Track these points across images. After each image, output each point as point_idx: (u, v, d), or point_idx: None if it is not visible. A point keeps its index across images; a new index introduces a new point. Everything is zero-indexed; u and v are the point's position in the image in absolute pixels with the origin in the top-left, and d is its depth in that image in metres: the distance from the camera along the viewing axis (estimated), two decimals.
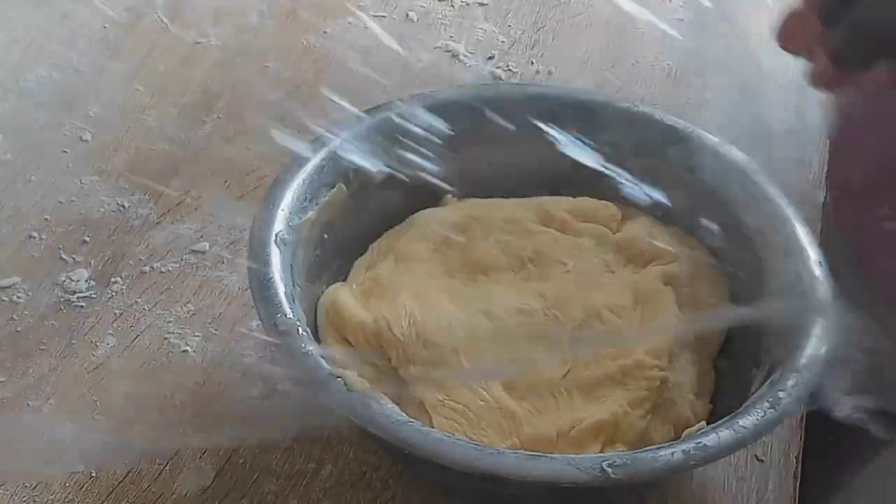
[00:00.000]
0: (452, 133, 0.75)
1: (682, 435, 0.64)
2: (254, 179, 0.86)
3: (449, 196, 0.76)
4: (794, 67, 0.85)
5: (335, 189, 0.73)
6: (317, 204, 0.71)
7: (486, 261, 0.74)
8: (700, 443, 0.60)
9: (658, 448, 0.60)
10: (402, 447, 0.59)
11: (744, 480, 0.70)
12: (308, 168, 0.72)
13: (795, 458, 0.72)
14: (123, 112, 0.92)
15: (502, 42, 1.01)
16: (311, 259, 0.71)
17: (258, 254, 0.67)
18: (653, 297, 0.72)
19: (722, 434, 0.61)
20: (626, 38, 1.02)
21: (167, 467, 0.68)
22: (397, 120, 0.75)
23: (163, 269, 0.80)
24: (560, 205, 0.77)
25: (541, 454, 0.60)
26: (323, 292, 0.71)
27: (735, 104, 0.94)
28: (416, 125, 0.75)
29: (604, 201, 0.78)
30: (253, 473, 0.68)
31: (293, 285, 0.67)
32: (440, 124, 0.76)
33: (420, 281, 0.72)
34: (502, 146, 0.78)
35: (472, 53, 1.00)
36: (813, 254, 0.70)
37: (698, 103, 0.96)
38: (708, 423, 0.64)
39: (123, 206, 0.84)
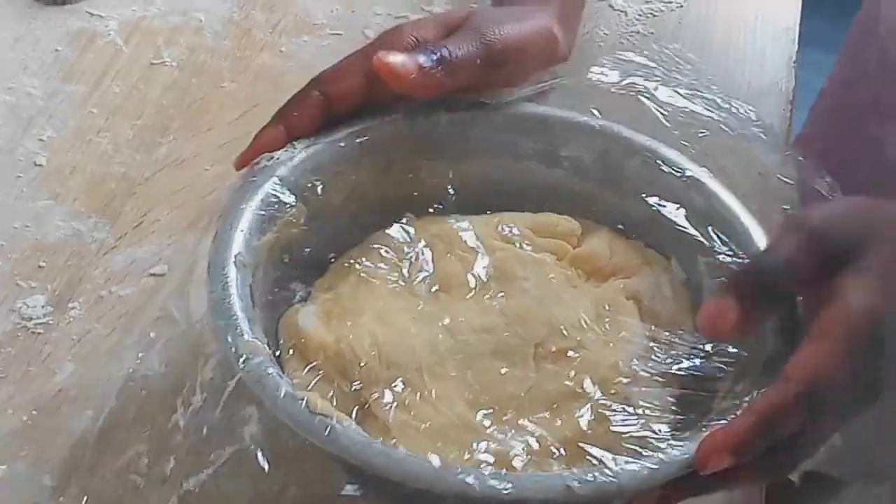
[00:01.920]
0: (410, 152, 0.75)
1: (649, 447, 0.64)
2: (211, 201, 0.85)
3: (408, 214, 0.76)
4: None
5: (294, 209, 0.72)
6: (275, 225, 0.71)
7: (447, 280, 0.73)
8: (666, 456, 0.60)
9: (624, 463, 0.60)
10: (366, 469, 0.59)
11: None
12: (266, 188, 0.71)
13: None
14: (78, 135, 0.91)
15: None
16: (271, 281, 0.70)
17: (217, 277, 0.66)
18: (615, 311, 0.72)
19: (689, 447, 0.60)
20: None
21: (128, 493, 0.68)
22: (356, 138, 0.75)
23: (121, 294, 0.79)
24: (519, 220, 0.77)
25: (507, 473, 0.59)
26: (283, 314, 0.70)
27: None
28: (371, 144, 0.75)
29: (563, 216, 0.78)
30: (219, 498, 0.67)
31: (253, 308, 0.66)
32: (398, 144, 0.76)
33: (381, 300, 0.71)
34: (461, 162, 0.78)
35: None
36: None
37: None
38: (673, 435, 0.64)
39: (79, 231, 0.83)
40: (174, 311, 0.76)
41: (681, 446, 0.61)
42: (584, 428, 0.65)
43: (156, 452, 0.69)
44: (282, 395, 0.60)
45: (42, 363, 0.74)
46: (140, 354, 0.74)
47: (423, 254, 0.74)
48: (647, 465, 0.59)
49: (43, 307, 0.78)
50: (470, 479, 0.57)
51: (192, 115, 0.94)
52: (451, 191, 0.78)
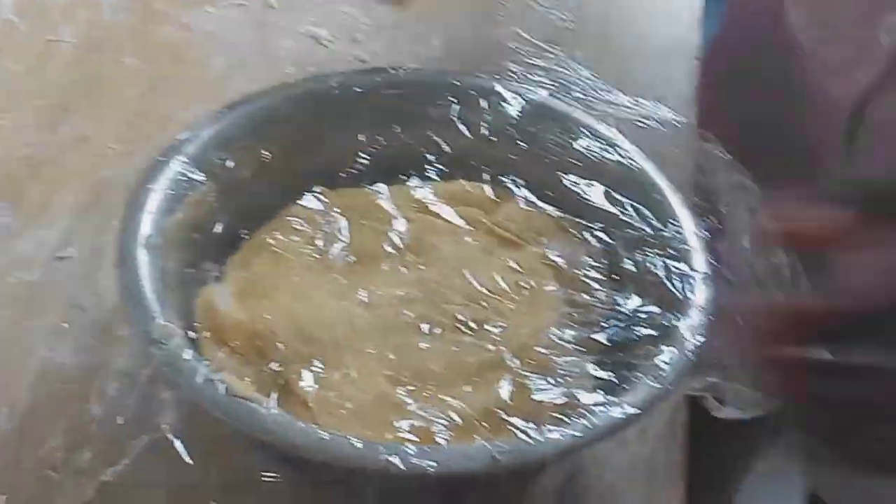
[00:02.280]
0: (318, 122, 0.74)
1: (571, 414, 0.63)
2: (117, 180, 0.83)
3: (319, 188, 0.75)
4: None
5: (203, 186, 0.70)
6: (184, 203, 0.69)
7: (363, 251, 0.72)
8: (589, 423, 0.60)
9: (547, 432, 0.60)
10: (290, 451, 0.58)
11: (627, 447, 0.71)
12: (173, 167, 0.69)
13: (681, 427, 0.73)
14: None
15: (366, 25, 1.00)
16: (182, 261, 0.68)
17: (126, 260, 0.64)
18: (533, 278, 0.72)
19: (611, 412, 0.60)
20: (491, 13, 1.02)
21: (46, 488, 0.66)
22: (261, 112, 0.73)
23: (28, 278, 0.77)
24: (432, 189, 0.76)
25: (431, 447, 0.59)
26: (197, 295, 0.69)
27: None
28: (279, 116, 0.74)
29: (476, 184, 0.77)
30: (138, 488, 0.66)
31: (165, 290, 0.65)
32: (305, 114, 0.74)
33: (297, 276, 0.70)
34: (370, 132, 0.77)
35: (335, 38, 0.98)
36: (689, 223, 0.71)
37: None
38: (595, 401, 0.64)
39: None
40: (84, 298, 0.75)
41: (603, 412, 0.61)
42: (506, 399, 0.65)
43: (72, 445, 0.67)
44: (199, 379, 0.59)
45: None
46: (50, 343, 0.73)
47: (337, 225, 0.73)
48: (571, 432, 0.59)
49: None
50: (394, 458, 0.57)
51: (94, 93, 0.92)
52: (362, 160, 0.77)
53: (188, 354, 0.60)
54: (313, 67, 0.91)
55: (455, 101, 0.77)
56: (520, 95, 0.78)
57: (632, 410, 0.60)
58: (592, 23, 1.00)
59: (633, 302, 0.70)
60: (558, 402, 0.66)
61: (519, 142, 0.77)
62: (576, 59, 0.94)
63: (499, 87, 0.78)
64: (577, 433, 0.59)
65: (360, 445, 0.57)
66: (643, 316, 0.68)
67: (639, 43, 0.98)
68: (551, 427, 0.61)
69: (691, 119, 0.91)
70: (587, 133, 0.76)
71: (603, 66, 0.92)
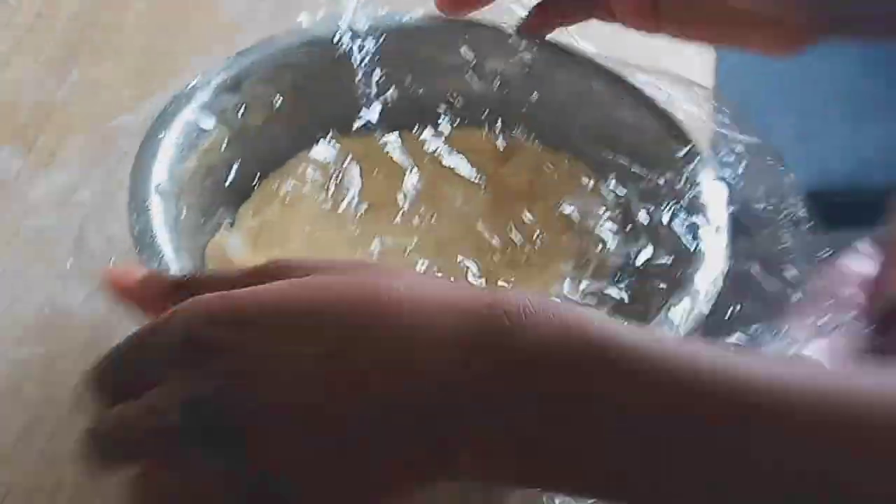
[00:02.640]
0: (331, 69, 0.73)
1: None
2: (128, 125, 0.83)
3: (330, 134, 0.74)
4: None
5: (215, 133, 0.70)
6: (196, 151, 0.69)
7: (375, 200, 0.72)
8: None
9: None
10: None
11: None
12: (184, 114, 0.69)
13: None
14: None
15: None
16: (195, 208, 0.68)
17: (139, 208, 0.64)
18: (544, 230, 0.72)
19: None
20: None
21: (59, 427, 0.66)
22: (272, 58, 0.73)
23: (40, 225, 0.77)
24: (444, 138, 0.76)
25: None
26: (209, 242, 0.68)
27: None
28: (291, 62, 0.74)
29: (488, 133, 0.77)
30: None
31: (177, 237, 0.64)
32: (317, 61, 0.74)
33: (308, 224, 0.70)
34: (382, 79, 0.76)
35: None
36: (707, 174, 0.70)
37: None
38: None
39: None
40: (95, 243, 0.74)
41: None
42: None
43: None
44: None
45: None
46: (60, 288, 0.72)
47: (350, 173, 0.73)
48: None
49: None
50: None
51: (104, 38, 0.91)
52: (374, 107, 0.76)
53: None
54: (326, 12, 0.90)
55: (468, 48, 0.76)
56: (533, 41, 0.77)
57: None
58: None
59: (647, 254, 0.69)
60: None
61: (531, 90, 0.76)
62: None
63: (511, 33, 0.77)
64: None
65: None
66: (657, 268, 0.68)
67: None
68: None
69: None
70: (603, 81, 0.75)
71: None
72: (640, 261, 0.69)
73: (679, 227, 0.68)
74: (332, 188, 0.72)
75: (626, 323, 0.63)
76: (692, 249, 0.66)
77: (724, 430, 0.44)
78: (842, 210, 1.40)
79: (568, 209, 0.73)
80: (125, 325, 0.68)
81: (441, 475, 0.46)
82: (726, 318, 0.64)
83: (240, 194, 0.72)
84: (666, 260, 0.68)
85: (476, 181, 0.74)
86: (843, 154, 1.38)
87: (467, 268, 0.69)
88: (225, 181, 0.71)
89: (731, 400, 0.44)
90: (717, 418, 0.44)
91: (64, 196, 0.78)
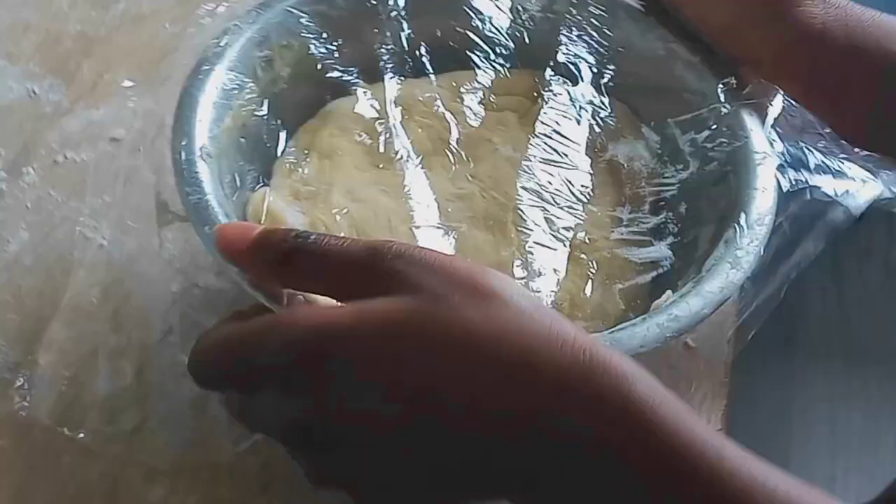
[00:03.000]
0: (359, 15, 0.73)
1: (651, 307, 0.62)
2: (170, 61, 0.82)
3: (360, 82, 0.73)
4: None
5: (247, 90, 0.68)
6: (231, 108, 0.67)
7: (414, 147, 0.71)
8: (672, 314, 0.59)
9: (632, 325, 0.59)
10: None
11: (674, 369, 0.70)
12: (217, 72, 0.67)
13: (727, 342, 0.72)
14: None
15: None
16: (233, 168, 0.67)
17: (187, 173, 0.62)
18: (586, 165, 0.71)
19: (691, 302, 0.60)
20: None
21: (85, 368, 0.66)
22: (301, 7, 0.72)
23: (77, 159, 0.77)
24: (473, 79, 0.74)
25: None
26: (249, 200, 0.67)
27: None
28: (317, 11, 0.72)
29: (516, 71, 0.75)
30: (175, 372, 0.66)
31: (225, 199, 0.63)
32: (346, 7, 0.73)
33: (349, 176, 0.69)
34: (413, 23, 0.74)
35: None
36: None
37: None
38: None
39: (34, 92, 0.81)
40: (133, 181, 0.74)
41: (684, 301, 0.60)
42: (573, 288, 0.65)
43: (117, 327, 0.68)
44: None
45: None
46: (97, 225, 0.72)
47: (385, 121, 0.72)
48: (657, 322, 0.59)
49: None
50: None
51: None
52: (402, 54, 0.74)
53: None
54: None
55: None
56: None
57: (712, 297, 0.60)
58: None
59: (694, 180, 0.69)
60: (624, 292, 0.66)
61: (558, 28, 0.75)
62: None
63: None
64: (662, 323, 0.59)
65: None
66: (706, 203, 0.68)
67: None
68: (635, 320, 0.60)
69: None
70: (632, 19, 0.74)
71: None
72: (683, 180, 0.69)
73: (723, 156, 0.68)
74: (368, 137, 0.71)
75: None
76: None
77: None
78: None
79: (615, 152, 0.72)
80: (152, 265, 0.69)
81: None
82: None
83: (272, 148, 0.71)
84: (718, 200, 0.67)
85: (515, 124, 0.74)
86: None
87: (517, 211, 0.68)
88: (261, 137, 0.69)
89: None
90: None
91: (102, 131, 0.78)
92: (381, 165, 0.71)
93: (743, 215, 0.64)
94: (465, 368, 0.48)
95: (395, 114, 0.72)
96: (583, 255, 0.67)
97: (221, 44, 0.69)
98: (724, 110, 0.69)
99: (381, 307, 0.50)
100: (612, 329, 0.59)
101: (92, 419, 0.64)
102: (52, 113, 0.79)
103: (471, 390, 0.48)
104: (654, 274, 0.67)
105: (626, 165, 0.72)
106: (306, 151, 0.71)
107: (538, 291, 0.65)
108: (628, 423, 0.48)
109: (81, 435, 0.64)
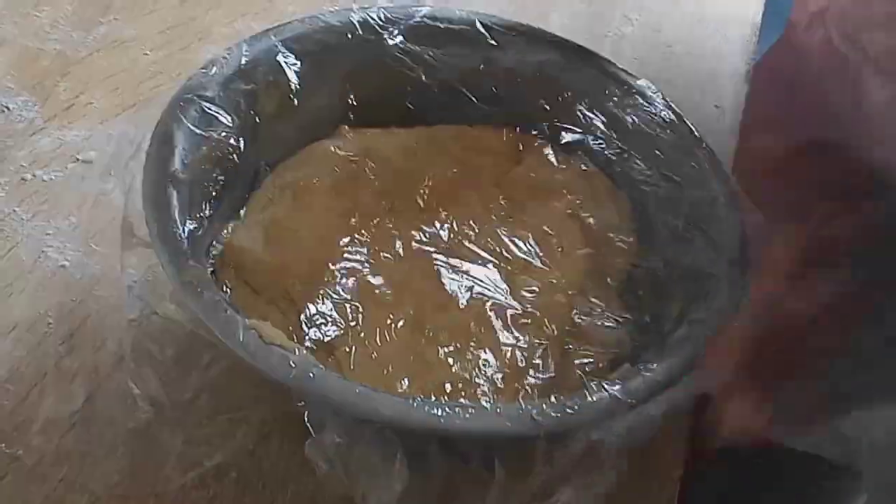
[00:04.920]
0: (344, 58, 0.72)
1: (611, 377, 0.61)
2: (148, 88, 0.82)
3: (343, 127, 0.73)
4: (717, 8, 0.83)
5: (227, 122, 0.68)
6: (208, 139, 0.66)
7: (386, 196, 0.71)
8: (626, 384, 0.58)
9: (587, 393, 0.58)
10: (326, 404, 0.56)
11: None
12: (198, 101, 0.66)
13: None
14: (13, 6, 0.87)
15: None
16: (205, 197, 0.66)
17: (157, 197, 0.61)
18: (559, 231, 0.71)
19: (647, 377, 0.59)
20: None
21: (35, 389, 0.65)
22: (286, 45, 0.71)
23: (45, 178, 0.75)
24: (455, 134, 0.74)
25: (467, 403, 0.57)
26: (219, 232, 0.66)
27: (654, 41, 0.92)
28: (304, 51, 0.72)
29: (499, 130, 0.75)
30: (125, 399, 0.64)
31: (193, 227, 0.62)
32: (334, 49, 0.73)
33: (320, 218, 0.68)
34: (393, 71, 0.75)
35: None
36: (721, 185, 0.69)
37: (617, 36, 0.93)
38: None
39: (7, 108, 0.80)
40: (99, 203, 0.73)
41: (642, 375, 0.59)
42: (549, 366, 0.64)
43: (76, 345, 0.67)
44: (240, 332, 0.57)
45: None
46: (60, 246, 0.71)
47: (361, 167, 0.71)
48: (611, 393, 0.58)
49: None
50: (439, 414, 0.55)
51: None
52: (387, 101, 0.75)
53: (219, 298, 0.58)
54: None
55: (490, 41, 0.75)
56: (556, 40, 0.76)
57: (671, 372, 0.59)
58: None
59: (666, 258, 0.69)
60: (599, 371, 0.65)
61: (549, 90, 0.75)
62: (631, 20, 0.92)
63: (533, 29, 0.76)
64: (616, 394, 0.58)
65: (403, 401, 0.56)
66: (678, 278, 0.67)
67: (698, 9, 0.95)
68: (592, 388, 0.59)
69: (740, 99, 0.89)
70: (622, 89, 0.74)
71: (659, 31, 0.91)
72: (660, 268, 0.69)
73: (695, 234, 0.68)
74: (342, 181, 0.71)
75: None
76: (711, 256, 0.66)
77: None
78: None
79: (584, 215, 0.72)
80: (113, 289, 0.68)
81: None
82: None
83: (247, 183, 0.70)
84: (688, 263, 0.67)
85: (489, 179, 0.74)
86: None
87: (486, 269, 0.69)
88: (238, 170, 0.69)
89: None
90: None
91: (73, 152, 0.77)
92: (351, 210, 0.70)
93: (712, 298, 0.63)
94: None
95: (372, 161, 0.71)
96: (545, 320, 0.66)
97: (208, 73, 0.68)
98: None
99: None
100: (566, 398, 0.58)
101: (37, 440, 0.63)
102: (24, 130, 0.78)
103: None
104: (613, 353, 0.66)
105: (600, 232, 0.72)
106: (282, 189, 0.70)
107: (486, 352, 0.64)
108: None
109: (20, 452, 0.62)
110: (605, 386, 0.58)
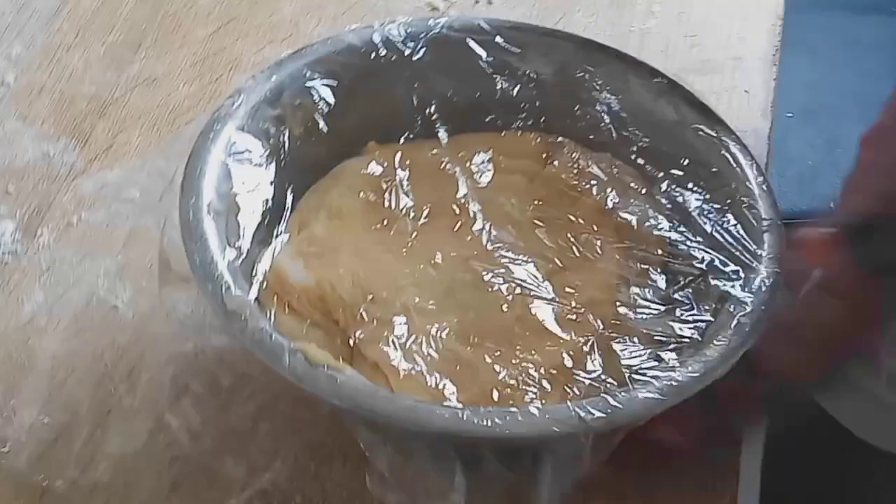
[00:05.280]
0: (369, 76, 0.74)
1: (658, 368, 0.63)
2: (184, 122, 0.83)
3: (371, 143, 0.74)
4: None
5: (257, 148, 0.69)
6: (240, 166, 0.68)
7: (422, 208, 0.72)
8: (670, 379, 0.59)
9: (629, 390, 0.59)
10: (377, 420, 0.57)
11: None
12: (227, 129, 0.68)
13: None
14: (46, 52, 0.89)
15: None
16: (241, 224, 0.67)
17: (194, 229, 0.63)
18: (594, 227, 0.72)
19: (692, 367, 0.60)
20: None
21: (98, 429, 0.66)
22: (313, 67, 0.72)
23: (91, 220, 0.77)
24: (483, 142, 0.75)
25: (515, 410, 0.57)
26: (259, 258, 0.68)
27: (678, 32, 0.92)
28: (328, 71, 0.73)
29: (527, 135, 0.76)
30: (187, 433, 0.66)
31: (233, 256, 0.64)
32: (357, 68, 0.74)
33: (357, 236, 0.70)
34: (421, 84, 0.76)
35: None
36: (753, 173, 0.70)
37: (641, 31, 0.93)
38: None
39: (48, 154, 0.81)
40: (144, 241, 0.74)
41: (684, 367, 0.60)
42: (578, 352, 0.65)
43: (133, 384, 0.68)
44: (286, 357, 0.58)
45: (10, 294, 0.73)
46: (109, 284, 0.73)
47: (394, 182, 0.72)
48: (657, 387, 0.59)
49: (12, 234, 0.76)
50: (486, 420, 0.56)
51: (165, 31, 0.91)
52: (415, 115, 0.75)
53: (264, 325, 0.60)
54: (384, 13, 0.90)
55: (510, 47, 0.76)
56: (575, 39, 0.77)
57: (712, 364, 0.60)
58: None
59: (704, 255, 0.69)
60: (645, 365, 0.65)
61: (572, 90, 0.76)
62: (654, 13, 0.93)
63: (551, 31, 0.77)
64: (662, 389, 0.59)
65: (449, 411, 0.57)
66: (716, 269, 0.67)
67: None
68: (637, 385, 0.61)
69: (769, 82, 0.89)
70: (646, 83, 0.75)
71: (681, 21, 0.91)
72: (698, 262, 0.69)
73: (731, 225, 0.69)
74: (376, 197, 0.72)
75: None
76: (749, 248, 0.67)
77: None
78: None
79: (625, 215, 0.72)
80: (165, 325, 0.69)
81: None
82: None
83: (282, 205, 0.71)
84: (724, 259, 0.68)
85: (522, 183, 0.74)
86: None
87: (527, 272, 0.69)
88: (271, 195, 0.70)
89: None
90: None
91: (115, 192, 0.79)
92: (387, 224, 0.71)
93: (750, 285, 0.64)
94: None
95: (403, 174, 0.72)
96: (589, 315, 0.67)
97: (235, 102, 0.69)
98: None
99: None
100: (617, 391, 0.60)
101: (106, 476, 0.65)
102: (67, 174, 0.80)
103: None
104: (658, 343, 0.66)
105: (635, 227, 0.72)
106: (316, 210, 0.71)
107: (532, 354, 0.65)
108: None
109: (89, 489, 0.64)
110: (652, 379, 0.60)
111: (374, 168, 0.73)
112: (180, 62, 0.88)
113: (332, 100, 0.73)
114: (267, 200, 0.69)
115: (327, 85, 0.73)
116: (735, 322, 0.62)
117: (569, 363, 0.64)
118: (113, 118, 0.84)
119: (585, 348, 0.65)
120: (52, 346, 0.70)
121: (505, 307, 0.67)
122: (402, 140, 0.75)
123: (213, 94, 0.84)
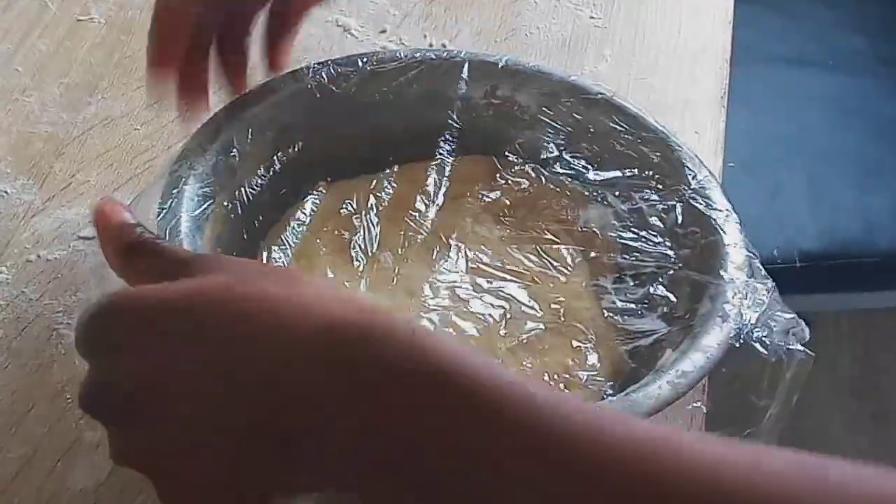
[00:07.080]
0: (319, 113, 0.75)
1: (657, 366, 0.64)
2: (142, 162, 0.84)
3: (321, 183, 0.75)
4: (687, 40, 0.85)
5: (217, 199, 0.70)
6: (206, 220, 0.68)
7: (387, 240, 0.72)
8: (679, 370, 0.61)
9: (645, 385, 0.60)
10: None
11: None
12: (190, 185, 0.68)
13: None
14: (3, 94, 0.89)
15: (394, 15, 0.99)
16: None
17: None
18: (559, 239, 0.73)
19: (694, 357, 0.61)
20: (519, 7, 1.01)
21: (59, 463, 0.66)
22: (265, 109, 0.74)
23: (49, 257, 0.77)
24: (433, 169, 0.76)
25: None
26: None
27: (629, 75, 0.94)
28: (276, 117, 0.74)
29: (475, 157, 0.77)
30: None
31: None
32: (306, 107, 0.75)
33: (324, 274, 0.70)
34: (355, 120, 0.77)
35: (363, 28, 0.98)
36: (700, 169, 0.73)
37: (594, 73, 0.95)
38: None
39: (6, 193, 0.81)
40: (105, 280, 0.74)
41: (687, 358, 0.61)
42: (566, 359, 0.67)
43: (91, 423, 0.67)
44: None
45: None
46: (70, 323, 0.73)
47: (353, 217, 0.73)
48: (668, 381, 0.60)
49: None
50: None
51: (121, 73, 0.91)
52: (367, 148, 0.77)
53: None
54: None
55: (454, 80, 0.77)
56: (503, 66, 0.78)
57: (713, 351, 0.62)
58: (622, 22, 0.99)
59: (667, 252, 0.71)
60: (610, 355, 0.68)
61: (509, 111, 0.78)
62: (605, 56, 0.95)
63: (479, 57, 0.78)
64: (673, 381, 0.60)
65: None
66: (684, 261, 0.69)
67: (669, 42, 0.98)
68: (646, 380, 0.61)
69: (719, 123, 0.91)
70: (581, 97, 0.77)
71: (632, 65, 0.93)
72: (671, 260, 0.70)
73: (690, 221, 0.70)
74: (340, 236, 0.72)
75: None
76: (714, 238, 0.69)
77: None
78: (846, 273, 1.41)
79: (588, 223, 0.74)
80: None
81: (286, 480, 0.48)
82: None
83: (243, 253, 0.71)
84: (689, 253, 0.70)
85: (484, 207, 0.75)
86: (850, 217, 1.39)
87: (509, 292, 0.70)
88: (230, 244, 0.70)
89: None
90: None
91: (74, 230, 0.79)
92: (357, 262, 0.72)
93: (721, 270, 0.66)
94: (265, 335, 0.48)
95: (359, 211, 0.73)
96: (578, 324, 0.69)
97: (186, 149, 0.70)
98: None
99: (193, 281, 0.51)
100: (627, 390, 0.61)
101: None
102: (25, 213, 0.80)
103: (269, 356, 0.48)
104: (653, 338, 0.68)
105: (599, 234, 0.73)
106: (279, 252, 0.71)
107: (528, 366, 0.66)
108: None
109: None
110: (659, 375, 0.61)
111: (330, 209, 0.74)
112: (137, 103, 0.89)
113: (284, 140, 0.74)
114: (234, 243, 0.70)
115: (275, 130, 0.74)
116: (722, 310, 0.64)
117: (576, 371, 0.66)
118: (70, 158, 0.84)
119: (587, 354, 0.67)
120: (11, 382, 0.70)
121: (502, 331, 0.68)
122: (348, 176, 0.76)
123: (172, 135, 0.84)
